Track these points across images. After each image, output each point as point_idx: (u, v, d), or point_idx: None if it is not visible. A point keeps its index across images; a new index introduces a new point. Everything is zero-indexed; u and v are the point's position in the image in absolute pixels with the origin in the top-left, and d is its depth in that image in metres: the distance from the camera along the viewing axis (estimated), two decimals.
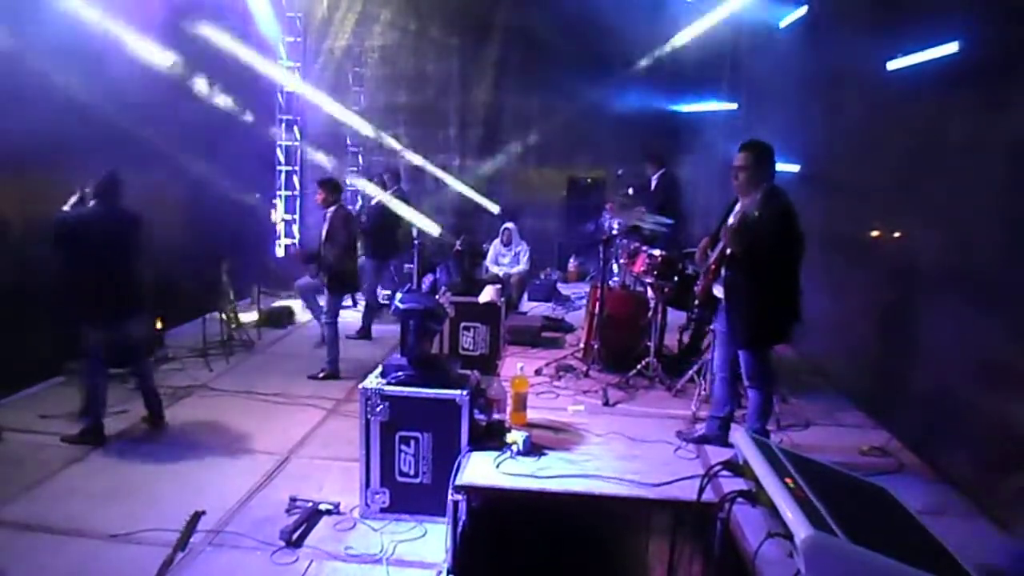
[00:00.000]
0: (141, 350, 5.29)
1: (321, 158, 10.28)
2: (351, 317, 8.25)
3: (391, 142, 10.69)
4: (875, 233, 5.10)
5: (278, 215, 10.25)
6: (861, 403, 5.01)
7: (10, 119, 5.12)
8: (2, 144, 5.03)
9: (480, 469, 3.58)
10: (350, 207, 8.39)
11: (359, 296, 8.73)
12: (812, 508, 2.12)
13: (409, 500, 3.90)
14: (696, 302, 4.29)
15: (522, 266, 8.66)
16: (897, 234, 4.86)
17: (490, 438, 3.88)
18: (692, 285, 5.00)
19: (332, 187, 6.70)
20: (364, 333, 7.84)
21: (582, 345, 5.96)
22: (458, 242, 8.96)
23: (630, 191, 7.32)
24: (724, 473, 2.71)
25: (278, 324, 8.18)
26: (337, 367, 6.41)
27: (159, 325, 6.73)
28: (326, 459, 4.74)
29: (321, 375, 6.35)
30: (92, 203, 4.76)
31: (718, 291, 4.03)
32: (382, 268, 8.36)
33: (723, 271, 3.96)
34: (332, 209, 6.58)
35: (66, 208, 4.74)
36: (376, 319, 8.00)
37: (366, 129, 10.65)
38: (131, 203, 4.92)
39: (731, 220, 3.91)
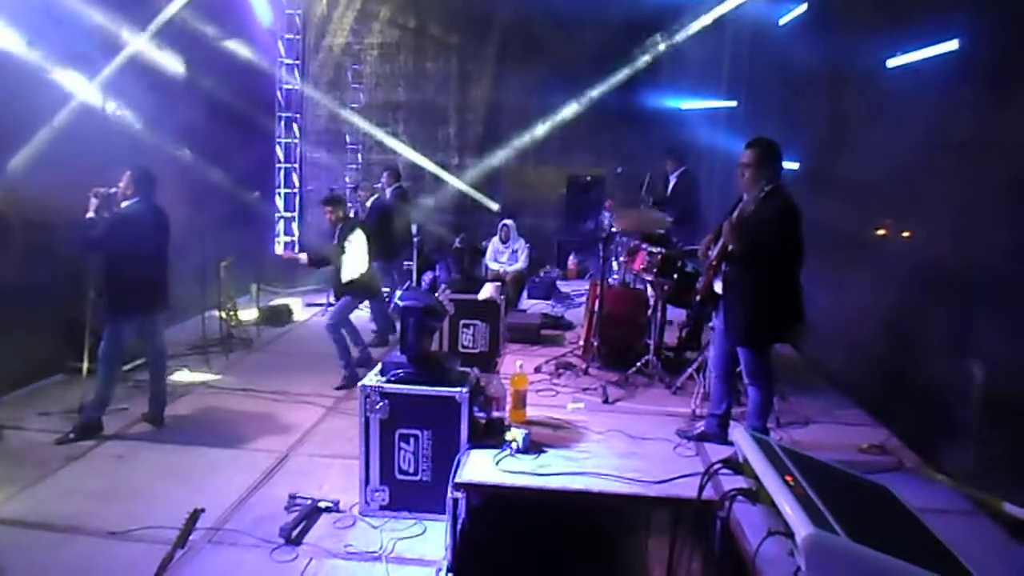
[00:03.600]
0: (164, 346, 5.33)
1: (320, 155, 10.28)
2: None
3: (390, 140, 10.68)
4: (875, 231, 5.09)
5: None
6: (861, 401, 5.00)
7: (4, 118, 5.11)
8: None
9: (480, 467, 3.58)
10: (350, 206, 8.32)
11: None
12: (812, 506, 2.12)
13: (409, 498, 3.90)
14: (698, 298, 4.28)
15: (519, 264, 8.61)
16: (897, 232, 4.86)
17: (490, 436, 3.87)
18: (692, 283, 5.00)
19: (339, 203, 6.62)
20: (380, 340, 7.49)
21: (582, 343, 5.94)
22: (457, 240, 8.95)
23: (651, 201, 7.22)
24: (724, 471, 2.70)
25: (277, 322, 8.18)
26: (355, 371, 6.06)
27: None
28: (326, 457, 4.74)
29: (343, 383, 6.09)
30: (135, 200, 4.81)
31: (719, 287, 4.03)
32: (390, 270, 8.20)
33: (723, 267, 3.96)
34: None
35: (124, 204, 4.81)
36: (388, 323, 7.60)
37: (365, 126, 10.64)
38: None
39: (733, 217, 3.91)
